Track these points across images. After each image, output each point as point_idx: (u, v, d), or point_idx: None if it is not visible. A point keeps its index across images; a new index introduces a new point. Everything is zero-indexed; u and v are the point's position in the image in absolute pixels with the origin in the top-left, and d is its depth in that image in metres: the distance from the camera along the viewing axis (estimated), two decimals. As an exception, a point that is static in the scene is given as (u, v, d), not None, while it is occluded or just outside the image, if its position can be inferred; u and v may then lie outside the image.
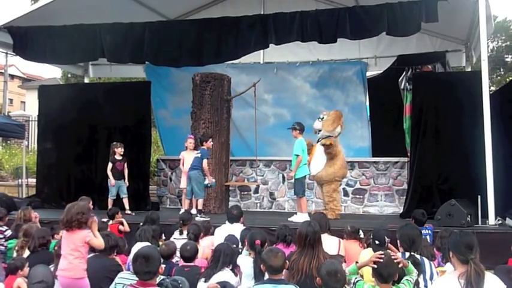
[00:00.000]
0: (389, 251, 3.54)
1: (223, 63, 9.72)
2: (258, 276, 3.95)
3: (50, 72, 45.16)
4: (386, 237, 4.32)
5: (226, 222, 5.67)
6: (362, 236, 5.37)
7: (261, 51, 10.16)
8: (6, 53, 9.58)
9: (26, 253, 4.80)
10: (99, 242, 4.03)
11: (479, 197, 6.88)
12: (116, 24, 8.36)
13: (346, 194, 9.70)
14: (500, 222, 6.82)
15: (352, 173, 9.70)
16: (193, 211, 7.83)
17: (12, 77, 33.73)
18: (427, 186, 8.07)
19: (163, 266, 3.94)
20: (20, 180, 11.62)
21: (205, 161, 7.87)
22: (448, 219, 6.69)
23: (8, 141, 17.82)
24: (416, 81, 8.59)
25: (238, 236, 4.94)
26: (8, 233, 5.63)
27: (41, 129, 10.30)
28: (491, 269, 3.41)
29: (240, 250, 4.61)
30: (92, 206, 6.94)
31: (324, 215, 5.43)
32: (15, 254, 4.93)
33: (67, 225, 3.93)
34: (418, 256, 3.91)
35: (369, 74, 11.02)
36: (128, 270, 4.38)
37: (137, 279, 3.22)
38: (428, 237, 5.69)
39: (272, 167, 10.07)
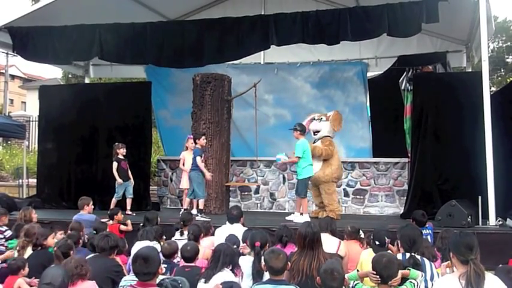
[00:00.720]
0: (390, 252, 3.54)
1: (223, 64, 9.74)
2: (255, 277, 3.96)
3: (51, 73, 45.17)
4: (386, 238, 4.33)
5: (227, 222, 5.67)
6: (362, 236, 5.37)
7: (262, 51, 10.15)
8: (7, 53, 9.59)
9: (27, 253, 4.80)
10: None
11: (479, 197, 6.89)
12: (116, 24, 8.37)
13: (346, 194, 9.70)
14: (500, 222, 6.82)
15: (352, 174, 9.70)
16: (194, 211, 7.84)
17: (13, 77, 33.77)
18: (428, 186, 8.07)
19: (164, 266, 3.95)
20: (20, 181, 11.64)
21: (198, 158, 7.88)
22: (448, 219, 6.69)
23: (9, 142, 17.83)
24: (417, 82, 8.59)
25: (238, 236, 4.94)
26: (8, 233, 5.63)
27: (42, 129, 10.31)
28: (492, 270, 3.40)
29: (241, 250, 4.61)
30: (92, 207, 6.99)
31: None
32: (16, 254, 4.93)
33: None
34: (418, 257, 3.91)
35: (370, 74, 11.03)
36: (129, 271, 4.40)
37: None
38: (429, 237, 5.69)
39: (272, 167, 10.07)
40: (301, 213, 7.66)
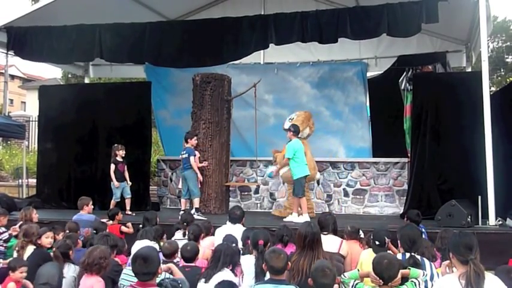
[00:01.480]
0: (390, 252, 3.54)
1: (223, 64, 9.73)
2: (259, 276, 3.95)
3: (50, 73, 45.18)
4: (386, 238, 4.32)
5: (227, 222, 5.67)
6: (362, 236, 5.37)
7: (262, 51, 10.17)
8: (7, 53, 9.57)
9: (27, 253, 4.79)
10: None
11: (479, 197, 6.88)
12: (116, 24, 8.37)
13: (346, 194, 9.70)
14: (500, 222, 6.82)
15: (352, 174, 9.70)
16: (192, 211, 7.86)
17: (13, 77, 33.78)
18: (428, 186, 8.06)
19: (163, 266, 3.95)
20: (20, 181, 11.63)
21: (192, 159, 8.01)
22: (448, 219, 6.69)
23: (9, 142, 17.82)
24: (417, 82, 8.59)
25: (239, 237, 4.94)
26: (5, 235, 5.62)
27: (42, 129, 10.30)
28: (492, 270, 3.40)
29: (241, 250, 4.60)
30: (92, 207, 6.99)
31: (332, 216, 5.43)
32: (15, 254, 4.93)
33: (87, 268, 3.82)
34: (418, 257, 3.91)
35: (370, 74, 11.03)
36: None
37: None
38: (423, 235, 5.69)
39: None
40: (300, 214, 7.66)
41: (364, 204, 9.63)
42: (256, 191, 10.09)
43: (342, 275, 3.55)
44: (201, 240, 5.13)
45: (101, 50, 8.40)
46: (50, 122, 9.99)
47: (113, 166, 8.34)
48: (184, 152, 8.16)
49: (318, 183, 9.76)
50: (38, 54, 8.86)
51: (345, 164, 9.81)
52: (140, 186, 9.31)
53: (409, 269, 3.44)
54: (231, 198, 9.58)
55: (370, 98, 10.65)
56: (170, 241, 4.79)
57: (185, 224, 5.64)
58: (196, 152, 8.30)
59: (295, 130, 7.79)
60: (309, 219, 7.03)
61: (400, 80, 9.33)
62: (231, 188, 9.65)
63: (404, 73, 9.30)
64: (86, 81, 12.21)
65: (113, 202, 8.30)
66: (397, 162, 9.54)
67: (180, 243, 4.54)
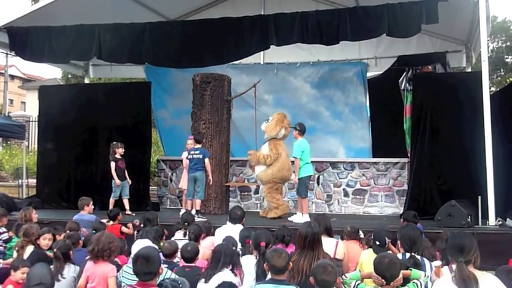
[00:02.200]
0: (390, 252, 3.54)
1: (223, 64, 9.73)
2: (260, 277, 3.95)
3: (50, 73, 45.18)
4: (387, 238, 4.32)
5: (227, 222, 5.67)
6: (362, 236, 5.37)
7: (261, 51, 10.15)
8: (7, 54, 9.58)
9: (26, 253, 4.80)
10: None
11: (479, 197, 6.88)
12: (116, 24, 8.36)
13: (346, 194, 9.70)
14: (500, 223, 6.81)
15: (352, 174, 9.70)
16: (193, 212, 7.86)
17: (13, 77, 33.75)
18: (427, 186, 8.06)
19: (164, 266, 3.95)
20: (20, 181, 11.63)
21: (207, 160, 8.01)
22: (448, 219, 6.69)
23: (8, 142, 17.83)
24: (417, 82, 8.59)
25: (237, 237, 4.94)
26: (5, 236, 5.62)
27: (41, 129, 10.30)
28: (492, 270, 3.39)
29: (240, 251, 4.60)
30: (92, 207, 6.99)
31: (326, 217, 5.42)
32: (15, 254, 4.93)
33: (98, 255, 3.81)
34: (418, 257, 3.91)
35: (369, 74, 11.03)
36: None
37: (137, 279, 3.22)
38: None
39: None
40: (299, 212, 7.67)
41: (364, 204, 9.63)
42: (256, 191, 10.08)
43: (343, 276, 3.55)
44: (201, 240, 5.13)
45: (100, 50, 8.39)
46: (50, 122, 9.99)
47: (113, 164, 8.30)
48: (198, 152, 8.05)
49: (318, 183, 9.76)
50: (39, 54, 8.85)
51: (345, 164, 9.81)
52: (140, 186, 9.32)
53: (411, 269, 3.44)
54: (231, 198, 9.58)
55: (370, 98, 10.65)
56: (170, 241, 4.79)
57: (186, 224, 5.64)
58: None
59: (302, 129, 7.76)
60: (309, 219, 7.04)
61: (400, 80, 9.32)
62: (231, 188, 9.66)
63: (404, 73, 9.30)
64: (86, 81, 12.20)
65: (111, 200, 8.28)
66: (397, 163, 9.54)
67: (181, 243, 4.55)
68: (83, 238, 5.44)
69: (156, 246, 4.66)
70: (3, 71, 20.47)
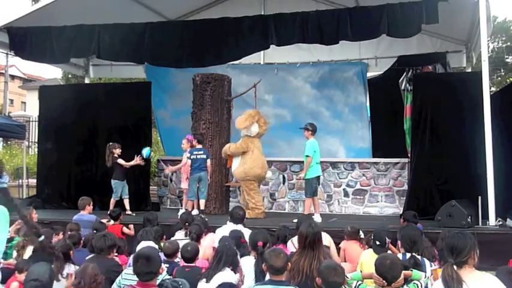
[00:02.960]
0: (390, 252, 3.54)
1: (223, 64, 9.73)
2: (258, 277, 3.96)
3: (51, 73, 45.13)
4: (387, 238, 4.33)
5: (228, 222, 5.67)
6: (362, 236, 5.37)
7: (262, 51, 10.17)
8: (7, 54, 9.58)
9: (27, 253, 4.79)
10: None
11: (479, 197, 6.88)
12: (116, 24, 8.37)
13: (346, 194, 9.70)
14: (500, 223, 6.81)
15: (352, 174, 9.70)
16: (194, 212, 7.88)
17: (13, 77, 33.78)
18: (428, 186, 8.06)
19: (165, 266, 3.95)
20: (20, 181, 11.64)
21: (209, 161, 8.11)
22: (448, 220, 6.69)
23: (9, 142, 17.83)
24: (417, 82, 8.59)
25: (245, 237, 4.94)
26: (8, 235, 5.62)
27: (42, 129, 10.30)
28: (492, 270, 3.40)
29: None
30: (91, 207, 6.99)
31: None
32: (15, 254, 4.93)
33: None
34: (419, 257, 3.91)
35: (370, 74, 11.03)
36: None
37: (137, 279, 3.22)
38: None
39: (272, 167, 10.05)
40: (316, 214, 7.66)
41: (364, 204, 9.63)
42: (257, 191, 10.07)
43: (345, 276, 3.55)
44: (201, 240, 5.14)
45: (99, 48, 8.38)
46: (50, 122, 9.98)
47: (121, 160, 8.32)
48: (202, 152, 8.13)
49: (318, 183, 9.75)
50: (38, 54, 8.86)
51: (345, 164, 9.81)
52: (140, 186, 9.32)
53: (411, 270, 3.45)
54: (231, 198, 9.57)
55: (370, 98, 10.65)
56: (171, 241, 4.80)
57: (186, 224, 5.64)
58: None
59: (314, 129, 7.74)
60: (320, 220, 7.08)
61: (400, 80, 9.33)
62: (231, 188, 9.65)
63: (404, 73, 9.30)
64: (86, 81, 12.20)
65: (112, 201, 8.28)
66: (397, 163, 9.54)
67: (182, 243, 4.55)
68: (83, 238, 5.44)
69: (157, 246, 4.67)
70: (3, 71, 20.48)
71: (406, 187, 9.02)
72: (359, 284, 3.42)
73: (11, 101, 33.44)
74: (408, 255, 3.92)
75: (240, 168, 8.21)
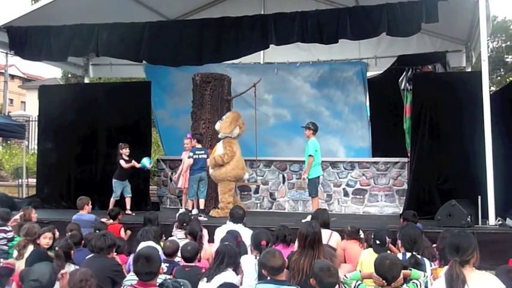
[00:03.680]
0: (390, 252, 3.54)
1: (223, 64, 9.73)
2: (261, 277, 3.96)
3: (50, 72, 45.14)
4: (387, 238, 4.33)
5: (228, 222, 5.67)
6: (362, 236, 5.37)
7: (261, 51, 10.16)
8: (7, 53, 9.57)
9: (27, 252, 4.80)
10: None
11: (479, 197, 6.88)
12: (115, 23, 8.36)
13: (346, 194, 9.69)
14: (500, 222, 6.81)
15: (352, 174, 9.70)
16: (194, 211, 7.89)
17: (13, 77, 33.76)
18: (427, 186, 8.06)
19: (165, 265, 3.95)
20: (20, 180, 11.63)
21: (208, 161, 8.09)
22: (448, 219, 6.69)
23: (8, 141, 17.83)
24: (417, 82, 8.59)
25: (242, 237, 4.94)
26: (10, 234, 5.64)
27: (41, 129, 10.30)
28: (492, 270, 3.40)
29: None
30: (91, 206, 6.99)
31: (324, 210, 5.46)
32: (15, 254, 4.94)
33: None
34: (419, 256, 3.91)
35: (369, 74, 11.02)
36: (129, 270, 4.39)
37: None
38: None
39: (272, 167, 10.06)
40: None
41: (364, 204, 9.62)
42: (256, 191, 10.08)
43: (344, 276, 3.55)
44: (203, 241, 5.14)
45: (97, 47, 8.35)
46: (49, 122, 9.99)
47: (122, 162, 8.38)
48: (203, 152, 8.13)
49: (318, 183, 9.76)
50: (38, 54, 8.84)
51: (345, 163, 9.81)
52: (140, 186, 9.32)
53: (410, 269, 3.45)
54: (231, 198, 9.57)
55: (370, 98, 10.64)
56: (171, 240, 4.80)
57: (184, 224, 5.65)
58: None
59: (315, 128, 7.73)
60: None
61: (400, 80, 9.33)
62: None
63: (404, 73, 9.30)
64: (86, 81, 12.19)
65: (112, 200, 8.30)
66: (397, 162, 9.53)
67: (182, 243, 4.55)
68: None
69: (158, 247, 4.67)
70: (3, 71, 20.46)
71: (405, 187, 9.02)
72: (358, 284, 3.42)
73: (11, 100, 33.44)
74: (408, 254, 3.92)
75: (221, 169, 8.24)
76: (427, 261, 3.94)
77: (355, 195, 9.67)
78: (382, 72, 10.70)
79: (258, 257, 4.17)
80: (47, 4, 8.83)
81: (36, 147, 12.45)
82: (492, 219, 6.72)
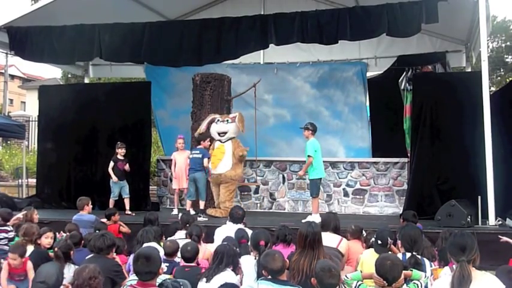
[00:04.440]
0: (391, 253, 3.54)
1: (223, 64, 9.73)
2: (260, 276, 3.96)
3: (50, 73, 45.09)
4: (389, 239, 4.32)
5: (227, 222, 5.67)
6: (365, 235, 5.37)
7: (261, 51, 10.17)
8: (7, 53, 9.57)
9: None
10: None
11: (479, 197, 6.88)
12: (116, 24, 8.36)
13: (346, 194, 9.69)
14: (500, 222, 6.82)
15: (352, 174, 9.69)
16: (191, 212, 7.90)
17: (13, 77, 33.76)
18: (427, 186, 8.06)
19: (165, 265, 3.95)
20: (20, 181, 11.63)
21: (206, 160, 8.01)
22: (448, 219, 6.69)
23: (8, 142, 17.84)
24: (417, 82, 8.59)
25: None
26: (11, 234, 5.64)
27: (41, 129, 10.30)
28: (492, 270, 3.40)
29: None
30: (91, 206, 6.99)
31: (335, 215, 5.44)
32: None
33: None
34: (419, 256, 3.91)
35: (369, 74, 11.03)
36: (129, 271, 4.39)
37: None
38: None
39: (272, 167, 10.05)
40: (313, 214, 7.63)
41: (364, 204, 9.62)
42: (256, 191, 10.07)
43: (345, 276, 3.55)
44: (202, 242, 5.13)
45: (100, 50, 8.39)
46: (49, 122, 9.98)
47: (111, 163, 8.36)
48: (198, 152, 8.11)
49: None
50: (39, 55, 8.85)
51: (345, 164, 9.80)
52: (140, 186, 9.32)
53: (411, 270, 3.45)
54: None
55: (370, 98, 10.65)
56: (171, 240, 4.80)
57: (187, 225, 5.64)
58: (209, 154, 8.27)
59: (314, 129, 7.70)
60: (319, 219, 7.06)
61: (399, 80, 9.33)
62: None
63: (404, 73, 9.31)
64: (86, 81, 12.20)
65: (111, 201, 8.33)
66: (397, 162, 9.53)
67: (182, 243, 4.55)
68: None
69: (159, 247, 4.67)
70: (3, 71, 20.46)
71: (405, 187, 9.01)
72: (359, 285, 3.41)
73: (11, 100, 33.45)
74: (408, 254, 3.92)
75: (238, 170, 8.32)
76: (427, 262, 3.93)
77: (355, 195, 9.66)
78: (382, 72, 10.70)
79: (257, 258, 4.17)
80: (47, 4, 8.83)
81: (36, 147, 12.45)
82: (492, 220, 6.72)
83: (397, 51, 10.26)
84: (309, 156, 7.53)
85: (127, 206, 8.40)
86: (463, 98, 7.81)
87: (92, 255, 4.35)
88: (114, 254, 4.60)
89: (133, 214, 8.29)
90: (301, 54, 10.70)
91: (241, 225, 5.50)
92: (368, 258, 4.12)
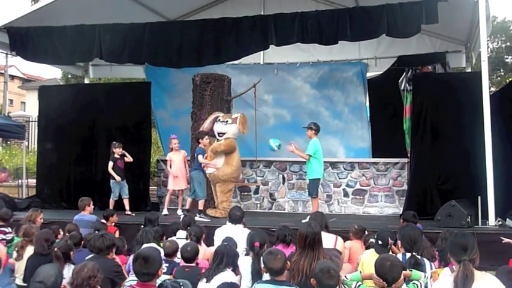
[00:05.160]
0: (391, 253, 3.54)
1: (223, 64, 9.73)
2: (255, 277, 3.96)
3: (50, 73, 45.08)
4: (390, 239, 4.32)
5: (227, 223, 5.67)
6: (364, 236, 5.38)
7: (261, 52, 10.16)
8: (7, 54, 9.57)
9: (26, 253, 4.80)
10: None
11: (479, 197, 6.88)
12: (116, 24, 8.36)
13: (346, 194, 9.69)
14: (500, 223, 6.82)
15: (352, 174, 9.70)
16: (179, 212, 7.99)
17: (13, 77, 33.76)
18: (427, 186, 8.06)
19: (165, 265, 3.94)
20: (20, 181, 11.63)
21: (200, 157, 7.90)
22: (448, 220, 6.69)
23: (8, 142, 17.85)
24: (417, 82, 8.59)
25: (239, 237, 4.93)
26: (9, 236, 5.65)
27: (41, 129, 10.31)
28: (492, 270, 3.40)
29: (246, 251, 4.59)
30: (92, 207, 7.00)
31: (322, 214, 5.44)
32: (15, 254, 4.94)
33: None
34: (419, 257, 3.91)
35: (369, 74, 11.03)
36: (129, 271, 4.39)
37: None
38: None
39: (272, 167, 10.06)
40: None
41: (364, 204, 9.62)
42: (256, 192, 10.08)
43: (344, 277, 3.55)
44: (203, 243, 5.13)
45: (101, 50, 8.39)
46: (49, 123, 9.99)
47: (111, 163, 8.34)
48: (197, 151, 8.09)
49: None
50: (40, 55, 8.85)
51: (345, 164, 9.81)
52: (140, 187, 9.33)
53: (411, 270, 3.45)
54: (231, 198, 9.56)
55: (370, 98, 10.65)
56: (171, 240, 4.80)
57: (188, 227, 5.63)
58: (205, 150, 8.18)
59: (317, 129, 7.71)
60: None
61: (399, 81, 9.33)
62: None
63: (404, 73, 9.30)
64: (86, 81, 12.21)
65: (111, 201, 8.32)
66: (397, 163, 9.53)
67: (182, 244, 4.55)
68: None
69: (160, 248, 4.67)
70: (3, 71, 20.46)
71: (405, 187, 9.02)
72: (359, 285, 3.41)
73: (11, 101, 33.44)
74: (408, 255, 3.92)
75: (226, 170, 8.11)
76: (427, 262, 3.94)
77: (355, 195, 9.67)
78: (382, 72, 10.70)
79: (252, 259, 4.17)
80: (47, 4, 8.83)
81: (36, 147, 12.45)
82: (492, 220, 6.72)
83: (397, 52, 10.26)
84: (308, 154, 7.53)
85: (127, 207, 8.40)
86: (463, 99, 7.81)
87: (91, 255, 4.35)
88: (114, 254, 4.61)
89: (133, 214, 8.29)
90: (301, 54, 10.71)
91: (240, 226, 5.50)
92: (368, 259, 4.12)
